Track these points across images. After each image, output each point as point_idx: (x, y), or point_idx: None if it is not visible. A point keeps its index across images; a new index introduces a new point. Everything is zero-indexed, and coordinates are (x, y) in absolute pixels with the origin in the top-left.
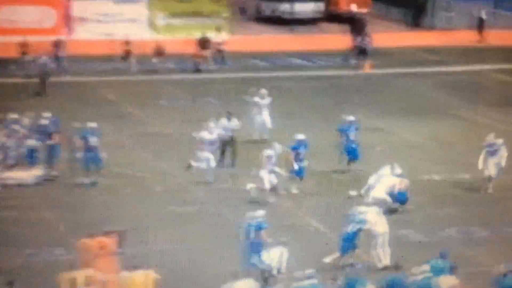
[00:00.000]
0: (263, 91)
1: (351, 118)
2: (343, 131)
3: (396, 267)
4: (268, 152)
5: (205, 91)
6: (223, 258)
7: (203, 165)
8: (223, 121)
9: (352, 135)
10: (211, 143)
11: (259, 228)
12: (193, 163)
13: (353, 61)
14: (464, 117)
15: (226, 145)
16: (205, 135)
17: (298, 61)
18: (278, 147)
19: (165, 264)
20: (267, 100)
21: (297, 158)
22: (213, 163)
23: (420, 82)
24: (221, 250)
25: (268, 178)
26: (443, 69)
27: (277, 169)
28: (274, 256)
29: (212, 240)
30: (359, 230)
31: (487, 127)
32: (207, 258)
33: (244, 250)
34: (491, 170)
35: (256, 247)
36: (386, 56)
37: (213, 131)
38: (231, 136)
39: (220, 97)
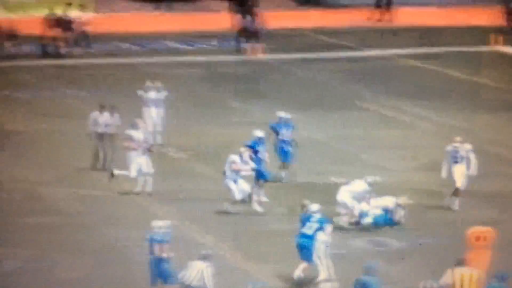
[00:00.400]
0: (158, 84)
1: (283, 114)
2: (274, 129)
3: (298, 284)
4: (232, 158)
5: (67, 80)
6: (89, 275)
7: (132, 172)
8: (96, 115)
9: (284, 134)
10: (139, 143)
11: (161, 241)
12: (116, 171)
13: (240, 45)
14: (373, 110)
15: (101, 144)
16: (134, 133)
17: (176, 44)
18: (246, 153)
19: (24, 284)
20: (160, 95)
21: (256, 159)
22: (149, 169)
23: (320, 69)
24: (88, 267)
25: (236, 188)
26: (346, 54)
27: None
28: (192, 274)
29: (80, 255)
30: (317, 232)
31: (399, 121)
32: (72, 277)
33: (150, 267)
34: (458, 181)
35: (160, 263)
36: (278, 39)
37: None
38: (109, 134)
39: (85, 87)
